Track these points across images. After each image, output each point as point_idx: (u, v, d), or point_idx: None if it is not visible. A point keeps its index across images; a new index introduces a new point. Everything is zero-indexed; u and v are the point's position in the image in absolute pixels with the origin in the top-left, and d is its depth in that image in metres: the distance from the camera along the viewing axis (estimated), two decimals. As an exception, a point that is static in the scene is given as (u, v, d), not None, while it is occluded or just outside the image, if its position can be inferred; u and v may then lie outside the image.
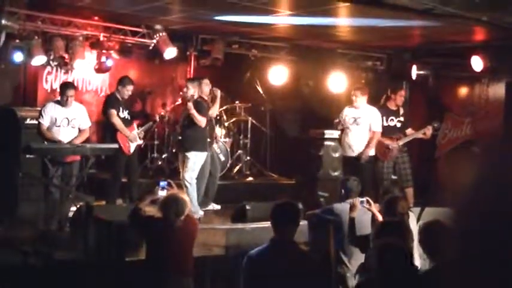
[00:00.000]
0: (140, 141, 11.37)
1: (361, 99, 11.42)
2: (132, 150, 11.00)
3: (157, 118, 12.28)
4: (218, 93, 11.71)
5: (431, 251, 5.59)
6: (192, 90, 10.74)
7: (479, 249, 1.34)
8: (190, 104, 10.45)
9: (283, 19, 11.08)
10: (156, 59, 13.38)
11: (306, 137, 13.41)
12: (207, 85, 11.48)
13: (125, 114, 10.99)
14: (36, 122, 10.18)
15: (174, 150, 11.00)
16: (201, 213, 10.69)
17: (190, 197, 10.27)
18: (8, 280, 7.51)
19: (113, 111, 10.79)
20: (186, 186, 10.37)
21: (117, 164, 10.84)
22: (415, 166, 12.06)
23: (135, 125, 11.22)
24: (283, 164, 14.23)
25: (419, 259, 7.95)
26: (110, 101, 11.01)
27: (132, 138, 10.96)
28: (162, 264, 6.83)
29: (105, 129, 11.12)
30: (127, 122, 11.00)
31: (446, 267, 1.51)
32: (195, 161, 10.57)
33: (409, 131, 11.81)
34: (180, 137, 10.78)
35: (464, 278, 1.39)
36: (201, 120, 10.55)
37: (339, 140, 11.88)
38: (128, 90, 10.99)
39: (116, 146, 10.44)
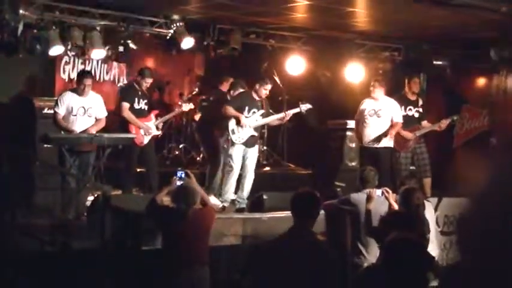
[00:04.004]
0: (158, 132, 11.30)
1: (378, 91, 11.29)
2: (146, 142, 10.93)
3: (182, 107, 12.05)
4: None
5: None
6: None
7: (496, 238, 1.33)
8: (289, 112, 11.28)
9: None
10: (174, 49, 13.34)
11: (323, 127, 13.37)
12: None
13: (141, 104, 10.90)
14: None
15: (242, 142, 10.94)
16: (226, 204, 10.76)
17: (232, 184, 10.68)
18: (25, 268, 7.55)
19: (126, 105, 10.73)
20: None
21: (129, 155, 10.80)
22: (433, 156, 12.00)
23: (152, 115, 11.11)
24: (300, 154, 14.19)
25: (437, 249, 7.95)
26: (126, 92, 11.03)
27: (145, 129, 10.91)
28: (176, 253, 6.85)
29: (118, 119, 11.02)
30: (144, 113, 10.93)
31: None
32: None
33: (424, 123, 11.73)
34: (255, 133, 11.00)
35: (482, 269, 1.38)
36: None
37: (356, 131, 11.80)
38: (147, 82, 10.93)
39: (133, 135, 10.42)
